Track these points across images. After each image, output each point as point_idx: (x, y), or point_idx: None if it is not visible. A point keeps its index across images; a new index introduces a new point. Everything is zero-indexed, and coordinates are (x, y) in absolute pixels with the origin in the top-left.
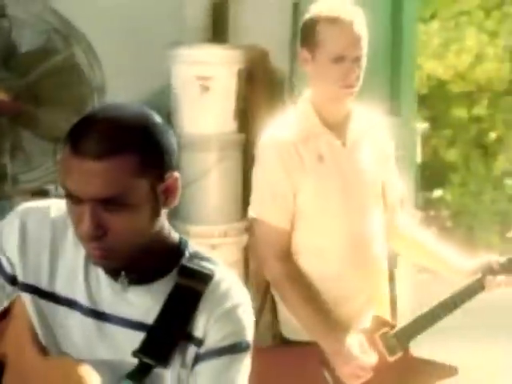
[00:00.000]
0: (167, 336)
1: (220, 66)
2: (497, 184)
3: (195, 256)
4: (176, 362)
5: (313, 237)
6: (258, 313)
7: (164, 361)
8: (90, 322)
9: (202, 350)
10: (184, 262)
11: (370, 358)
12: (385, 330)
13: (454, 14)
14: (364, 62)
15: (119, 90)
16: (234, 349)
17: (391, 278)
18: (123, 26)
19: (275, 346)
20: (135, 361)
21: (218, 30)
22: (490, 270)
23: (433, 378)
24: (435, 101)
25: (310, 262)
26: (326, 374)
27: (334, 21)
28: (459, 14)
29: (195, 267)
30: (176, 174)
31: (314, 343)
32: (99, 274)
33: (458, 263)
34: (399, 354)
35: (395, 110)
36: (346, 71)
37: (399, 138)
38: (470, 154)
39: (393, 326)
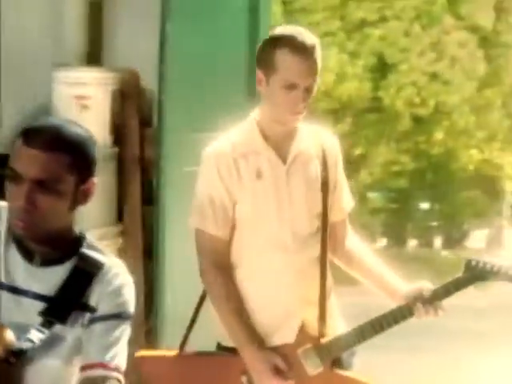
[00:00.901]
0: (64, 302)
1: (96, 87)
2: (360, 198)
3: (91, 247)
4: (75, 324)
5: (247, 248)
6: (192, 320)
7: (61, 319)
8: (8, 296)
9: (95, 315)
10: (83, 250)
11: (288, 377)
12: (308, 345)
13: (317, 35)
14: (315, 89)
15: (6, 108)
16: (119, 316)
17: (323, 291)
18: (9, 51)
19: (200, 354)
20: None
21: (94, 55)
22: (421, 298)
23: None
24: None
25: (241, 272)
26: (244, 380)
27: (295, 49)
28: (323, 35)
29: (91, 255)
30: (95, 180)
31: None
32: (16, 258)
33: (395, 287)
34: (320, 370)
35: None
36: (296, 99)
37: None
38: None
39: (317, 341)
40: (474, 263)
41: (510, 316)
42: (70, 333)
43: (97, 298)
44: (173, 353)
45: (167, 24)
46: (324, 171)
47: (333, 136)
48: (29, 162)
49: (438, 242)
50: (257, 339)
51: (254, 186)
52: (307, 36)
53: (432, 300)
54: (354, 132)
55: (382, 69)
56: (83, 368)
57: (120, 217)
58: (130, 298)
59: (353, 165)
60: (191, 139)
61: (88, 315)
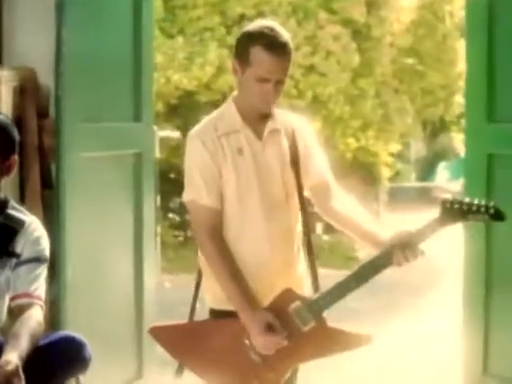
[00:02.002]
0: None
1: None
2: None
3: (15, 208)
4: (5, 268)
5: (232, 219)
6: (195, 289)
7: None
8: None
9: (20, 259)
10: (8, 211)
11: (281, 333)
12: (297, 303)
13: (198, 30)
14: (284, 84)
15: None
16: (39, 259)
17: (310, 254)
18: None
19: (208, 321)
20: None
21: None
22: (399, 244)
23: (348, 346)
24: (185, 110)
25: (228, 241)
26: (246, 342)
27: (268, 47)
28: (203, 30)
29: (15, 215)
30: (16, 157)
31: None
32: None
33: (377, 237)
34: (312, 324)
35: (138, 117)
36: (267, 91)
37: (141, 138)
38: None
39: (304, 298)
40: (448, 204)
41: (384, 295)
42: (1, 275)
43: (21, 246)
44: (184, 323)
45: (62, 28)
46: (293, 147)
47: (303, 119)
48: None
49: (319, 227)
50: (252, 301)
51: (236, 162)
52: (280, 33)
53: (410, 245)
54: None
55: None
56: (12, 298)
57: (22, 199)
58: (46, 246)
59: None
60: (85, 128)
61: (14, 260)
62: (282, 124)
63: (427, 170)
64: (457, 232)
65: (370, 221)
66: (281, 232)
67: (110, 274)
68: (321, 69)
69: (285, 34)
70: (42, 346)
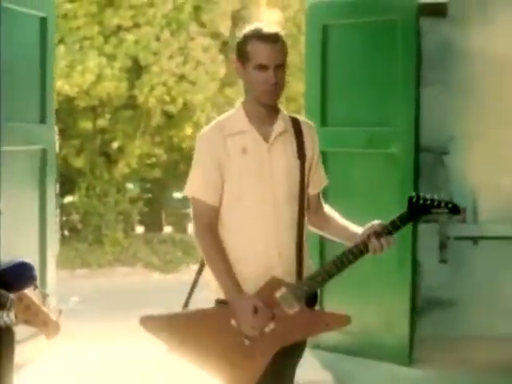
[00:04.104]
0: None
1: None
2: (119, 187)
3: None
4: None
5: (233, 214)
6: (194, 282)
7: None
8: None
9: None
10: None
11: (266, 315)
12: (283, 289)
13: (78, 39)
14: (285, 72)
15: None
16: None
17: (300, 250)
18: None
19: (199, 309)
20: None
21: None
22: (374, 233)
23: (329, 326)
24: (64, 115)
25: (228, 234)
26: (233, 322)
27: (260, 38)
28: (83, 39)
29: None
30: None
31: None
32: None
33: (361, 231)
34: (297, 308)
35: (43, 119)
36: (268, 77)
37: (45, 137)
38: (95, 161)
39: (289, 285)
40: (414, 199)
41: None
42: None
43: None
44: (173, 312)
45: None
46: (300, 149)
47: (310, 122)
48: None
49: (190, 227)
50: (239, 287)
51: (240, 161)
52: (269, 27)
53: (384, 235)
54: (112, 127)
55: (136, 70)
56: None
57: None
58: None
59: (112, 157)
60: (4, 127)
61: None
62: (290, 126)
63: None
64: None
65: (349, 223)
66: (278, 229)
67: (18, 246)
68: (191, 77)
69: (274, 28)
70: (4, 268)
